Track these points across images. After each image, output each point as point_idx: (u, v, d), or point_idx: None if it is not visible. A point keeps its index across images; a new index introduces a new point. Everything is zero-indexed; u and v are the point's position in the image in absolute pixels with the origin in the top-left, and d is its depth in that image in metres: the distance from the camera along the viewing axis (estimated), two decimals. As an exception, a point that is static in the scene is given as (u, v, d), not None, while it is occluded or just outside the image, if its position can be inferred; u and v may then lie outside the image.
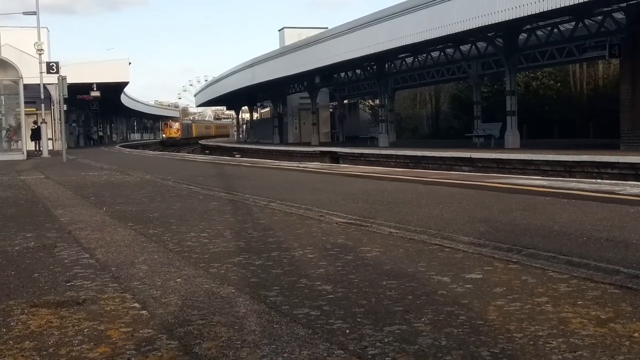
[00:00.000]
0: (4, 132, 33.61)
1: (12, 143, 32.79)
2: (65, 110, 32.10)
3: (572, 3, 19.60)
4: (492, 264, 4.68)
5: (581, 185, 10.29)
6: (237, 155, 40.46)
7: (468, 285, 4.07)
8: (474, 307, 3.59)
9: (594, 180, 13.38)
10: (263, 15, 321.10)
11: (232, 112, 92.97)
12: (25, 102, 31.67)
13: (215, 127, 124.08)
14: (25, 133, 33.48)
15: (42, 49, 36.12)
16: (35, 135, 38.50)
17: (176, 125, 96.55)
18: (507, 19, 22.43)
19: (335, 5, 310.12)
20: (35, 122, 39.13)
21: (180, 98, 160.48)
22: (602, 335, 3.06)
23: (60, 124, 32.40)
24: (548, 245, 5.24)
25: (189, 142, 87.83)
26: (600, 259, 4.65)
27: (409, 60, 38.94)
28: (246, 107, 73.03)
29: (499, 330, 3.16)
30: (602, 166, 18.59)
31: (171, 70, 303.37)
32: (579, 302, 3.62)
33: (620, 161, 18.09)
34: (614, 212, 7.12)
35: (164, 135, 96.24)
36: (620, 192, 9.00)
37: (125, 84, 52.33)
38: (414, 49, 32.85)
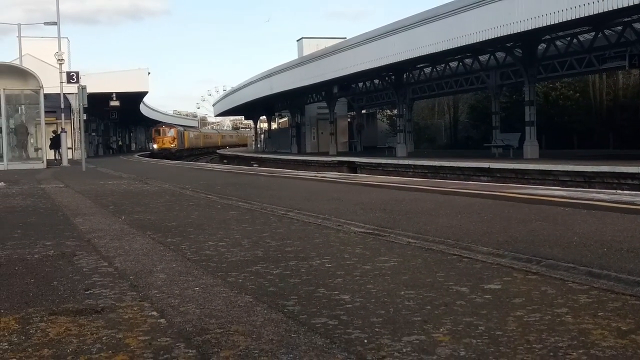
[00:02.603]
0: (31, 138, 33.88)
1: (24, 150, 32.87)
2: (84, 120, 32.37)
3: (592, 13, 19.52)
4: (511, 274, 4.65)
5: (601, 196, 10.20)
6: (255, 165, 40.57)
7: (487, 296, 4.05)
8: (493, 317, 3.56)
9: (614, 190, 13.28)
10: (283, 25, 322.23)
11: (250, 122, 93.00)
12: (45, 112, 31.93)
13: (203, 137, 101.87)
14: (45, 141, 33.75)
15: (62, 59, 36.52)
16: (55, 144, 38.81)
17: (171, 132, 74.26)
18: (526, 29, 22.38)
19: (355, 16, 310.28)
20: (54, 131, 39.46)
21: (198, 108, 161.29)
22: (623, 347, 3.02)
23: (80, 133, 32.68)
24: (568, 255, 5.20)
25: (182, 154, 72.29)
26: (621, 270, 4.61)
27: (427, 70, 39.00)
28: (264, 116, 73.29)
29: (519, 341, 3.13)
30: (622, 177, 18.45)
31: (191, 81, 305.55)
32: (599, 314, 3.59)
33: (640, 172, 17.94)
34: (635, 223, 7.05)
35: (154, 146, 73.06)
36: (641, 203, 8.91)
37: (145, 93, 52.67)
38: (432, 59, 32.83)
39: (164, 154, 63.96)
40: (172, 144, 71.96)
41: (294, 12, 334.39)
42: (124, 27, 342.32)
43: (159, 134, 73.10)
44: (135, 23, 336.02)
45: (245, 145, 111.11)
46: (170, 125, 77.64)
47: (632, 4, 18.15)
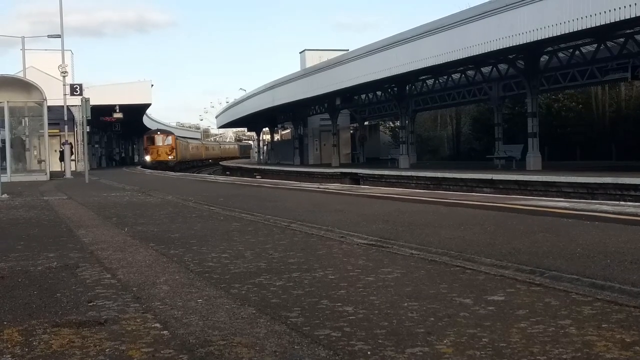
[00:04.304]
0: (27, 153, 33.94)
1: (24, 163, 32.87)
2: (88, 132, 32.43)
3: (594, 25, 19.55)
4: (515, 286, 4.64)
5: (604, 207, 10.19)
6: (257, 177, 40.60)
7: (490, 307, 4.04)
8: (496, 329, 3.55)
9: (617, 202, 13.26)
10: (288, 37, 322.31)
11: (253, 134, 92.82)
12: (49, 124, 32.01)
13: (191, 149, 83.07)
14: (49, 154, 33.77)
15: (66, 72, 36.62)
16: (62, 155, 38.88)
17: (169, 140, 60.77)
18: (528, 41, 22.42)
19: (361, 27, 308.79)
20: (63, 143, 39.57)
21: (202, 119, 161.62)
22: (628, 359, 3.01)
23: (83, 145, 32.71)
24: (571, 267, 5.19)
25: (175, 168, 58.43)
26: (624, 282, 4.60)
27: (430, 82, 39.06)
28: (267, 128, 73.31)
29: (522, 353, 3.13)
30: (625, 188, 18.42)
31: (195, 92, 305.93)
32: (603, 325, 3.58)
33: (643, 183, 17.91)
34: (638, 235, 7.04)
35: (147, 158, 59.87)
36: (644, 215, 8.89)
37: (148, 105, 52.81)
38: (434, 70, 32.91)
39: (160, 167, 52.57)
40: (169, 155, 59.55)
41: (299, 23, 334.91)
42: (130, 40, 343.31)
43: (153, 143, 60.04)
44: (142, 35, 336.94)
45: (235, 157, 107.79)
46: (167, 132, 64.45)
47: (634, 16, 18.17)
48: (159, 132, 62.55)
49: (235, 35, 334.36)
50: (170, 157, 59.22)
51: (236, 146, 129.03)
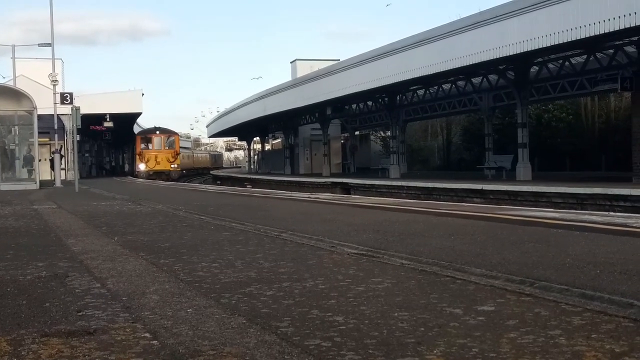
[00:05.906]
0: (16, 161, 33.83)
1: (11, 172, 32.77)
2: (78, 141, 32.34)
3: (583, 36, 19.67)
4: (505, 296, 4.65)
5: (594, 218, 10.22)
6: (248, 186, 40.53)
7: (480, 318, 4.04)
8: (486, 339, 3.56)
9: (607, 212, 13.31)
10: (280, 46, 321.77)
11: (244, 143, 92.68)
12: (39, 133, 31.89)
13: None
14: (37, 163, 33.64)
15: (56, 80, 36.52)
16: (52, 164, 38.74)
17: (171, 142, 49.96)
18: (518, 52, 22.55)
19: (354, 37, 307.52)
20: (53, 152, 39.43)
21: (192, 129, 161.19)
22: (617, 369, 3.02)
23: (74, 154, 32.61)
24: (561, 277, 5.20)
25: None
26: (614, 292, 4.61)
27: (421, 92, 39.17)
28: (258, 138, 73.32)
29: (512, 363, 3.13)
30: (614, 199, 18.51)
31: (186, 101, 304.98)
32: (592, 335, 3.59)
33: (632, 194, 18.01)
34: (627, 245, 7.06)
35: (141, 167, 48.89)
36: (633, 225, 8.93)
37: (138, 114, 52.61)
38: (425, 81, 33.02)
39: (160, 179, 44.18)
40: (172, 162, 48.73)
41: (292, 32, 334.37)
42: (123, 48, 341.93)
43: (148, 146, 49.13)
44: (134, 44, 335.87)
45: (207, 167, 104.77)
46: (170, 132, 51.56)
47: (623, 28, 18.30)
48: (158, 132, 50.43)
49: (228, 45, 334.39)
50: (173, 166, 48.91)
51: (207, 155, 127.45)
